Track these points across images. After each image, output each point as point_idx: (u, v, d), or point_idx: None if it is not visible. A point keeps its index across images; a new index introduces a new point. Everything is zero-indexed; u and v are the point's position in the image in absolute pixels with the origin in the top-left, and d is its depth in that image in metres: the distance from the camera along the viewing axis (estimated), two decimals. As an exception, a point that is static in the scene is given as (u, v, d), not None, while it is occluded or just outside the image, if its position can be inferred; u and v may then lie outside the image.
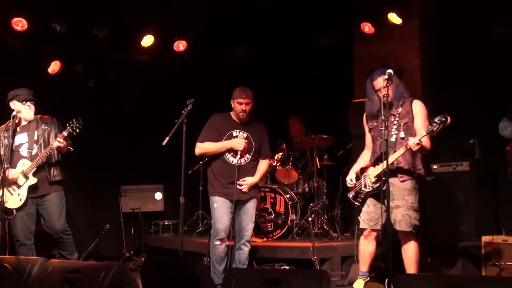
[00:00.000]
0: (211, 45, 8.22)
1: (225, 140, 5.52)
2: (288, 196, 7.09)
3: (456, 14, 6.51)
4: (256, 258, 6.22)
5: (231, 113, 5.65)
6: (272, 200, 7.10)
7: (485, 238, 5.72)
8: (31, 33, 7.09)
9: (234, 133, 5.55)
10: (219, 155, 5.56)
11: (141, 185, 8.40)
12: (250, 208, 5.61)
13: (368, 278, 5.19)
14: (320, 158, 7.40)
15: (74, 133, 5.67)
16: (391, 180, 4.94)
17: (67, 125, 5.65)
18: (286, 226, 6.99)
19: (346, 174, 5.37)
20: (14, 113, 5.70)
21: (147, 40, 7.76)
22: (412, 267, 5.03)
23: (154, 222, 8.27)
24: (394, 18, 6.91)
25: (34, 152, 5.79)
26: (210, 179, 5.66)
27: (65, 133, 5.64)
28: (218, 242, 5.47)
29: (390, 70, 4.64)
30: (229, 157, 5.54)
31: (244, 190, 5.50)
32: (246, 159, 5.58)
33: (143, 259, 7.58)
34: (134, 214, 8.07)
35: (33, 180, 5.72)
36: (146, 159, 8.00)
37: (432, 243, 6.10)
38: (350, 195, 5.27)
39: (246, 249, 5.55)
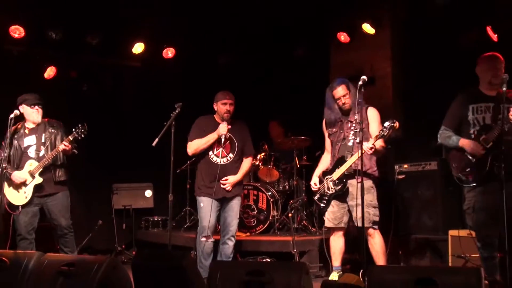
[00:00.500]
0: (198, 52, 8.23)
1: None
2: (269, 193, 7.09)
3: (424, 26, 6.57)
4: (240, 251, 6.20)
5: (215, 115, 5.64)
6: (255, 197, 7.09)
7: (451, 232, 5.75)
8: (28, 40, 7.06)
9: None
10: (205, 155, 5.55)
11: (132, 183, 8.34)
12: (235, 205, 5.61)
13: (341, 272, 5.22)
14: (299, 158, 7.42)
15: (79, 137, 5.68)
16: (350, 181, 5.09)
17: (73, 130, 5.66)
18: (268, 222, 6.99)
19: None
20: (12, 116, 5.66)
21: (138, 48, 7.76)
22: (381, 259, 5.08)
23: (144, 218, 8.21)
24: (367, 28, 6.96)
25: (41, 153, 5.79)
26: (197, 179, 5.66)
27: (70, 138, 5.64)
28: (203, 239, 5.48)
29: (364, 77, 4.63)
30: (212, 156, 5.54)
31: (227, 188, 5.49)
32: (229, 159, 5.57)
33: (134, 252, 7.54)
34: (125, 210, 8.01)
35: (39, 180, 5.72)
36: (137, 158, 7.94)
37: (403, 237, 6.15)
38: (316, 197, 5.32)
39: (231, 243, 5.54)
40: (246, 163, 5.72)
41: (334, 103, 5.25)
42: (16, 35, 6.91)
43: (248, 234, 6.96)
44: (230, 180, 5.50)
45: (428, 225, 6.09)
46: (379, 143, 4.89)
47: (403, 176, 6.30)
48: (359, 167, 4.93)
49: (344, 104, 5.18)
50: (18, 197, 5.72)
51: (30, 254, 4.36)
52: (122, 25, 7.42)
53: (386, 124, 4.77)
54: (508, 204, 4.22)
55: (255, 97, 8.34)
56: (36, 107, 5.85)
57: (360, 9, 7.02)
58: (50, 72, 7.61)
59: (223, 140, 5.48)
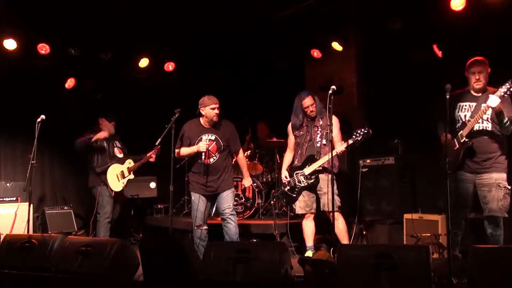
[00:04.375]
0: (194, 65, 8.26)
1: (197, 143, 5.32)
2: (255, 184, 7.10)
3: (383, 44, 6.62)
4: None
5: (200, 119, 5.35)
6: (242, 188, 7.09)
7: (406, 216, 5.80)
8: (52, 56, 7.10)
9: (204, 137, 5.31)
10: (195, 157, 5.39)
11: (139, 177, 8.23)
12: (225, 195, 5.37)
13: (314, 250, 5.23)
14: (280, 155, 7.41)
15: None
16: (320, 175, 5.12)
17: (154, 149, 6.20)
18: (254, 208, 7.02)
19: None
20: (39, 120, 5.54)
21: (143, 62, 7.78)
22: (345, 238, 5.11)
23: (149, 206, 8.20)
24: (336, 46, 6.99)
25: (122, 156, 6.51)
26: (190, 177, 5.51)
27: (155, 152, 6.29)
28: (196, 228, 5.38)
29: (333, 86, 4.63)
30: (202, 157, 5.33)
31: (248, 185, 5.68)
32: (215, 158, 5.32)
33: (141, 235, 7.51)
34: (133, 199, 7.97)
35: (132, 176, 6.43)
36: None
37: (366, 220, 6.19)
38: (286, 188, 5.31)
39: (232, 222, 5.24)
40: (240, 159, 5.58)
41: (300, 111, 5.24)
42: (42, 52, 6.98)
43: (237, 218, 6.95)
44: (246, 185, 5.64)
45: (386, 210, 6.12)
46: (343, 147, 4.93)
47: (366, 169, 6.32)
48: (325, 164, 5.05)
49: (311, 112, 5.21)
50: (117, 185, 6.24)
51: (55, 236, 4.41)
52: (130, 43, 7.46)
53: (359, 130, 4.81)
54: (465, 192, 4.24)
55: (242, 102, 8.33)
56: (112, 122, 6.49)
57: (330, 30, 7.04)
58: (70, 83, 7.62)
59: (203, 153, 5.25)
